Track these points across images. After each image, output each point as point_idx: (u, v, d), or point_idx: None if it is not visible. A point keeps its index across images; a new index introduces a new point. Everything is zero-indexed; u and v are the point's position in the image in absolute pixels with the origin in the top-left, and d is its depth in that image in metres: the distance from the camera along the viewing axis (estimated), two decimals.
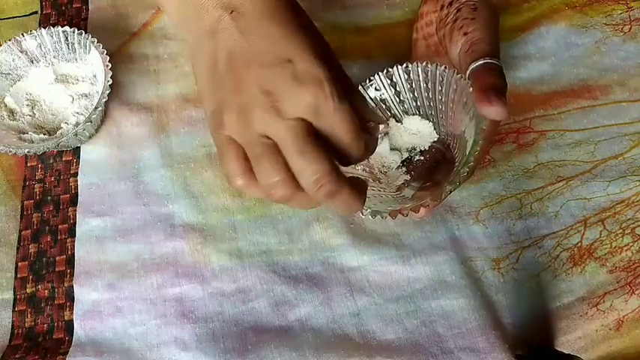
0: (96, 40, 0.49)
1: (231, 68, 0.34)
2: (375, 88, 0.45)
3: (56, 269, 0.45)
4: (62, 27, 0.50)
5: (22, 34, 0.50)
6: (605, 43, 0.53)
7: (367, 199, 0.35)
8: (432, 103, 0.44)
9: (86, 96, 0.50)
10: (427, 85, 0.43)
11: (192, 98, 0.50)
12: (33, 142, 0.47)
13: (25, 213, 0.47)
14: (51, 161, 0.49)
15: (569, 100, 0.51)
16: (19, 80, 0.50)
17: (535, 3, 0.55)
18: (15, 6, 0.55)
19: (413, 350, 0.41)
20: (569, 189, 0.47)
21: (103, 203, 0.47)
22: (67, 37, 0.50)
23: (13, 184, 0.48)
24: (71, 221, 0.46)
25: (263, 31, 0.34)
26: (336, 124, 0.33)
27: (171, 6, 0.39)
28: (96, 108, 0.46)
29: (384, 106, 0.46)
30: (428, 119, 0.45)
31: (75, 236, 0.46)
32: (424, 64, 0.43)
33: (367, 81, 0.45)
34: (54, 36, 0.50)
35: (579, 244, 0.45)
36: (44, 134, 0.48)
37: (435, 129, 0.45)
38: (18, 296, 0.44)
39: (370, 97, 0.45)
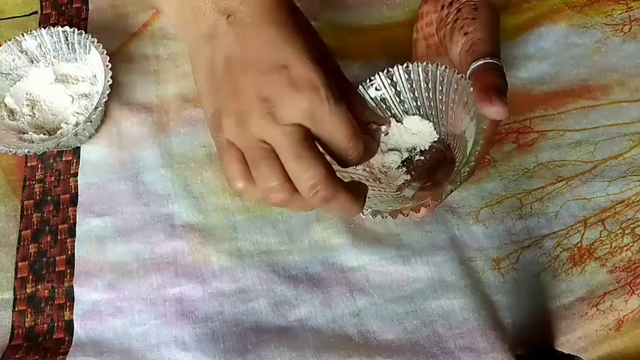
0: (96, 40, 0.49)
1: (229, 72, 0.34)
2: (376, 88, 0.45)
3: (56, 269, 0.45)
4: (62, 27, 0.50)
5: (22, 34, 0.50)
6: (605, 43, 0.53)
7: (367, 199, 0.35)
8: (432, 103, 0.44)
9: (86, 96, 0.50)
10: (427, 84, 0.43)
11: (192, 98, 0.50)
12: (33, 142, 0.47)
13: (25, 213, 0.47)
14: (51, 161, 0.49)
15: (569, 100, 0.51)
16: (19, 80, 0.50)
17: (535, 3, 0.55)
18: (15, 6, 0.55)
19: (413, 350, 0.41)
20: (569, 189, 0.47)
21: (103, 203, 0.47)
22: (67, 37, 0.50)
23: (13, 184, 0.48)
24: (71, 221, 0.46)
25: (259, 37, 0.34)
26: (334, 127, 0.33)
27: (170, 8, 0.39)
28: (96, 108, 0.46)
29: (384, 106, 0.46)
30: (428, 119, 0.45)
31: (75, 236, 0.46)
32: (424, 63, 0.43)
33: (368, 81, 0.45)
34: (54, 36, 0.50)
35: (579, 244, 0.45)
36: (44, 134, 0.48)
37: (435, 129, 0.45)
38: (18, 296, 0.44)
39: (370, 97, 0.45)
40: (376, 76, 0.45)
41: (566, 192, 0.47)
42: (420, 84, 0.44)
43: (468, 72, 0.40)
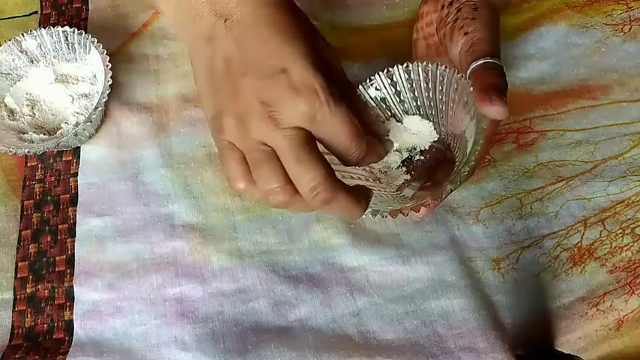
0: (96, 40, 0.49)
1: (228, 74, 0.34)
2: (376, 88, 0.45)
3: (56, 269, 0.45)
4: (62, 27, 0.50)
5: (22, 34, 0.50)
6: (605, 43, 0.53)
7: None
8: (432, 103, 0.44)
9: (86, 96, 0.50)
10: (427, 84, 0.43)
11: (192, 98, 0.50)
12: (33, 142, 0.47)
13: (25, 213, 0.47)
14: (51, 161, 0.49)
15: (569, 100, 0.51)
16: (19, 80, 0.50)
17: (535, 3, 0.55)
18: (15, 6, 0.55)
19: (413, 350, 0.41)
20: (569, 189, 0.47)
21: (103, 203, 0.47)
22: (67, 37, 0.50)
23: (13, 184, 0.48)
24: (71, 221, 0.46)
25: (258, 40, 0.34)
26: (335, 128, 0.33)
27: (168, 9, 0.39)
28: (96, 108, 0.46)
29: (384, 106, 0.46)
30: (428, 119, 0.45)
31: (75, 236, 0.46)
32: (424, 63, 0.43)
33: (367, 81, 0.45)
34: (54, 36, 0.50)
35: (579, 244, 0.45)
36: (44, 134, 0.48)
37: (435, 129, 0.45)
38: (18, 296, 0.44)
39: (370, 97, 0.45)
40: (376, 75, 0.45)
41: (566, 192, 0.47)
42: (420, 84, 0.44)
43: (468, 72, 0.40)
